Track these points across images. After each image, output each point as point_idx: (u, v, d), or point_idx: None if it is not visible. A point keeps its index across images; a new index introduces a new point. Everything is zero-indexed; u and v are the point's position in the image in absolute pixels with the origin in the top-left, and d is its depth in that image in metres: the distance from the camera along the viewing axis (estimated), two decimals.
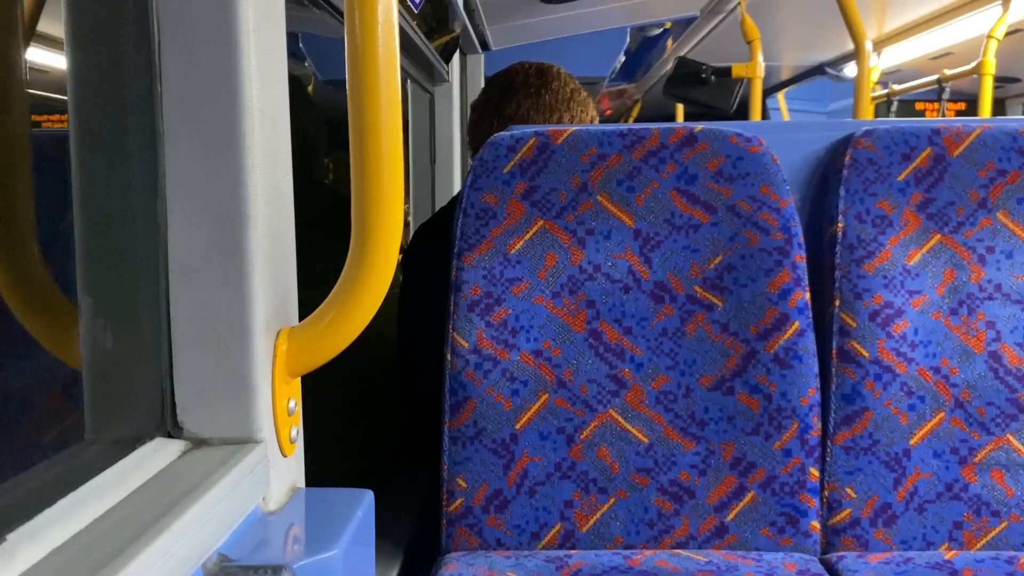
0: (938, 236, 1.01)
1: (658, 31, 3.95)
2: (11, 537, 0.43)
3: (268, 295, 0.63)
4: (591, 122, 1.48)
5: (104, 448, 0.57)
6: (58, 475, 0.53)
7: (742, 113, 2.91)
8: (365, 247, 0.63)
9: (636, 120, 5.89)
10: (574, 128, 1.01)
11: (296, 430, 0.68)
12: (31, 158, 0.68)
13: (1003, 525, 0.99)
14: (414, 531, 1.10)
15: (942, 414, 1.00)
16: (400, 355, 1.35)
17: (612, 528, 0.99)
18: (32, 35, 0.72)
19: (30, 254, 0.66)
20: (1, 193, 0.66)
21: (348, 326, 0.65)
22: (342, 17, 0.62)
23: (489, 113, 1.44)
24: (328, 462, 0.88)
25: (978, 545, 0.99)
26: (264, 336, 0.62)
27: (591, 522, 0.99)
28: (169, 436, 0.62)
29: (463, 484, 0.99)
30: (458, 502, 0.99)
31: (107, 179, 0.63)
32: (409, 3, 1.72)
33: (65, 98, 0.61)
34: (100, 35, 0.62)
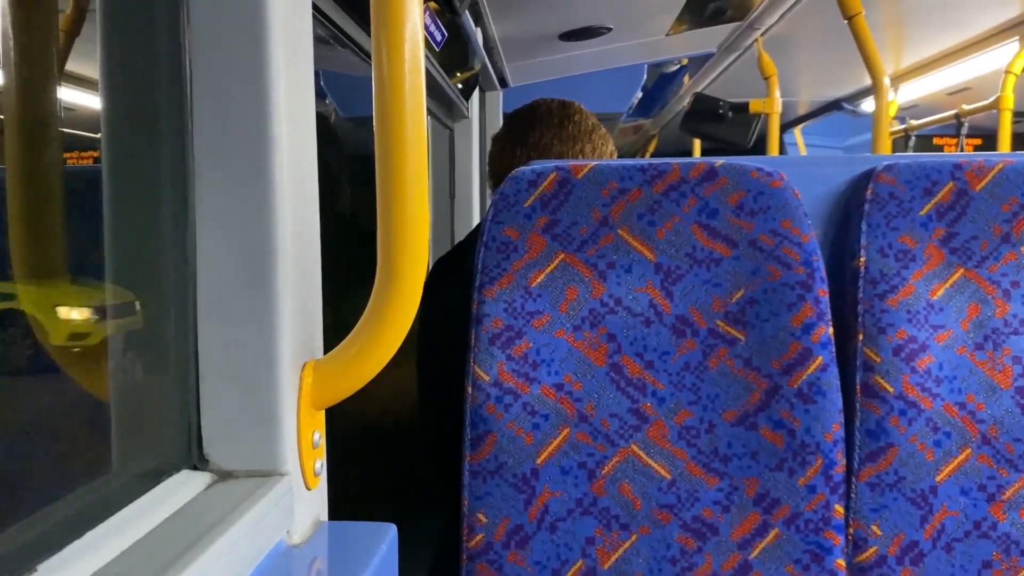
0: (961, 271, 1.01)
1: (675, 67, 3.98)
2: (41, 567, 0.43)
3: (294, 328, 0.63)
4: (611, 156, 1.50)
5: (131, 480, 0.58)
6: (86, 507, 0.53)
7: (759, 149, 2.92)
8: (390, 281, 0.64)
9: (652, 155, 5.92)
10: (595, 163, 1.01)
11: (320, 463, 0.68)
12: (64, 193, 0.69)
13: None
14: (434, 566, 1.10)
15: (968, 450, 0.98)
16: (419, 388, 1.35)
17: (634, 565, 0.98)
18: (62, 74, 0.73)
19: (61, 287, 0.67)
20: (34, 227, 0.68)
21: (373, 359, 0.65)
22: (366, 56, 0.63)
23: (512, 143, 1.48)
24: (348, 495, 0.88)
25: None
26: (290, 369, 0.63)
27: (613, 559, 0.98)
28: (195, 468, 0.62)
29: (483, 519, 0.98)
30: (479, 537, 0.98)
31: (137, 214, 0.64)
32: (431, 42, 1.75)
33: (94, 135, 0.62)
34: (133, 74, 0.63)
